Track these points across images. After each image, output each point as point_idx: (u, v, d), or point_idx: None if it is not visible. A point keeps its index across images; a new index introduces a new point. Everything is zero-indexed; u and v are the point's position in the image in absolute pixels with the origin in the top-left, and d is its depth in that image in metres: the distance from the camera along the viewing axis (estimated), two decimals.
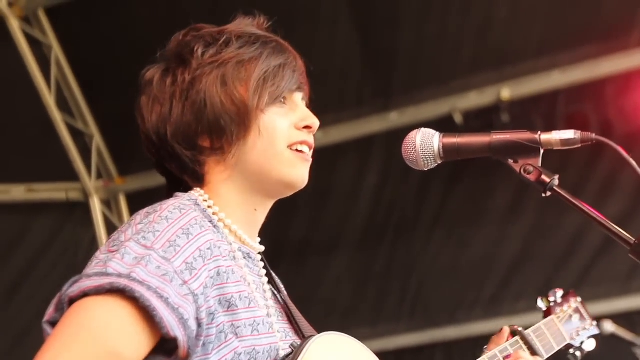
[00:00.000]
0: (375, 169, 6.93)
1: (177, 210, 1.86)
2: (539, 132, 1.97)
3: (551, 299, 2.75)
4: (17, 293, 7.03)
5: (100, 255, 1.78)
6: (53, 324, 1.71)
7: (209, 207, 1.99)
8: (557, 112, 6.39)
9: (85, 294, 1.68)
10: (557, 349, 2.64)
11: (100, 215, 7.44)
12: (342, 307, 7.50)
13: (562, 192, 1.94)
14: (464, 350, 7.49)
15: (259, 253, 2.09)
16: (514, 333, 2.51)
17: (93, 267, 1.75)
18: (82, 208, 7.48)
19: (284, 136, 2.04)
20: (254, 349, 1.86)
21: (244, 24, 2.13)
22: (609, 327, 5.47)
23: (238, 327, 1.85)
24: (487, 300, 7.38)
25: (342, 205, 7.15)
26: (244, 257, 2.00)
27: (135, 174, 7.38)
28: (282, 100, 2.07)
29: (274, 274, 2.16)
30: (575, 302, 2.79)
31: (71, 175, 7.33)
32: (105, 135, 7.39)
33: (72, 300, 1.70)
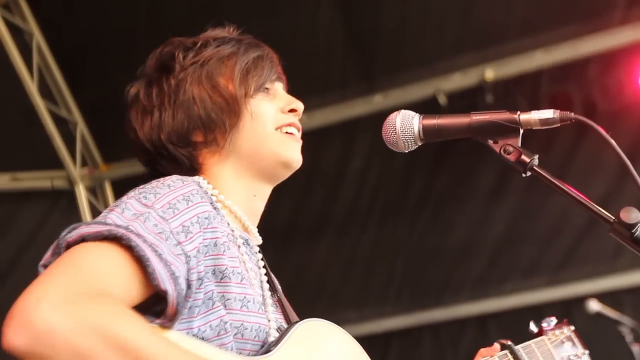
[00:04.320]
0: (360, 152, 6.93)
1: (180, 181, 1.93)
2: (518, 112, 1.97)
3: (544, 324, 2.75)
4: (3, 282, 7.00)
5: (103, 212, 1.84)
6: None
7: (209, 189, 2.06)
8: (541, 92, 6.40)
9: (82, 239, 1.72)
10: None
11: (86, 202, 7.42)
12: (329, 291, 7.52)
13: (542, 172, 1.93)
14: (452, 332, 7.53)
15: (258, 245, 2.15)
16: (503, 347, 2.52)
17: (93, 220, 1.80)
18: (67, 196, 7.45)
19: (272, 119, 2.17)
20: (242, 324, 1.90)
21: (216, 32, 2.26)
22: (595, 305, 5.51)
23: (228, 300, 1.89)
24: (474, 281, 7.41)
25: (328, 188, 7.15)
26: (243, 244, 2.05)
27: (120, 161, 7.36)
28: (265, 89, 2.19)
29: (271, 274, 2.19)
30: (568, 330, 2.78)
31: (56, 163, 7.29)
32: (90, 122, 7.35)
33: (69, 245, 1.73)
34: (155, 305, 1.74)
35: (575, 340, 2.76)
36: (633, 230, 1.81)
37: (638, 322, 5.70)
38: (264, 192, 2.20)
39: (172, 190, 1.88)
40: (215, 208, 1.97)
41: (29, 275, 1.72)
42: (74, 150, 7.30)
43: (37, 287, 1.61)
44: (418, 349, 7.67)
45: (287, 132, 2.18)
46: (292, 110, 2.21)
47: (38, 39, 6.97)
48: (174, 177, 1.95)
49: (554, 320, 2.75)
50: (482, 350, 2.49)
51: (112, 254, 1.71)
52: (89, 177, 7.46)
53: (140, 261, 1.70)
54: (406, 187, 7.09)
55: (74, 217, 7.30)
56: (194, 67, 2.15)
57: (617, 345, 5.66)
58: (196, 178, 2.06)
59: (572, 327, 2.78)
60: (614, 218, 1.84)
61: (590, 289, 6.89)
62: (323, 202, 7.23)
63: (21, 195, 7.27)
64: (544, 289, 7.16)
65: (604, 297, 6.19)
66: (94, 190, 7.56)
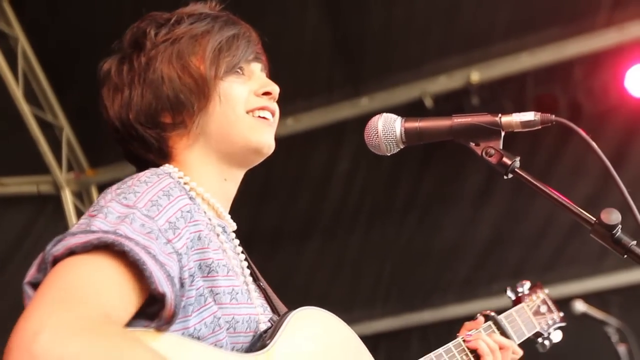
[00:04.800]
0: (346, 155, 6.93)
1: (155, 176, 1.87)
2: (500, 115, 1.98)
3: (519, 289, 2.81)
4: None
5: (81, 220, 1.75)
6: (35, 285, 1.64)
7: (180, 177, 1.99)
8: (526, 94, 6.42)
9: (71, 252, 1.63)
10: (527, 335, 2.69)
11: (72, 207, 7.40)
12: (316, 293, 7.51)
13: (524, 174, 1.94)
14: (440, 334, 7.52)
15: (233, 231, 2.09)
16: (486, 318, 2.54)
17: (76, 228, 1.70)
18: (53, 201, 7.43)
19: (243, 102, 2.08)
20: (233, 317, 1.85)
21: (196, 7, 2.17)
22: (581, 306, 5.52)
23: (217, 294, 1.84)
24: (461, 283, 7.42)
25: (315, 191, 7.15)
26: (222, 232, 1.99)
27: (106, 166, 7.34)
28: (240, 70, 2.11)
29: (249, 258, 2.14)
30: (542, 293, 2.85)
31: (42, 168, 7.28)
32: (75, 127, 7.34)
33: (56, 260, 1.63)
34: (148, 307, 1.68)
35: (550, 303, 2.83)
36: (614, 232, 1.82)
37: (624, 323, 5.72)
38: (236, 176, 2.12)
39: (150, 187, 1.81)
40: (191, 198, 1.91)
41: (14, 281, 1.66)
42: (59, 155, 7.29)
43: (33, 316, 1.52)
44: (406, 350, 7.67)
45: (259, 117, 2.09)
46: (266, 93, 2.11)
47: (23, 44, 6.95)
48: (148, 172, 1.89)
49: (527, 284, 2.80)
50: (467, 324, 2.51)
51: (105, 265, 1.63)
52: (75, 181, 7.44)
53: (135, 265, 1.63)
54: (393, 190, 7.11)
55: (60, 222, 7.28)
56: (165, 44, 2.06)
57: (604, 345, 5.68)
58: (167, 168, 2.00)
59: (546, 290, 2.84)
60: (595, 220, 1.85)
61: (576, 290, 6.91)
62: (310, 205, 7.23)
63: (7, 201, 7.24)
64: None
65: (590, 297, 6.20)
66: (80, 195, 7.55)
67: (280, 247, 7.35)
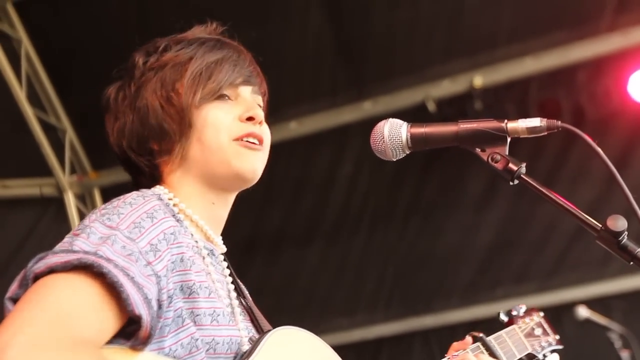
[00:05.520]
0: (349, 158, 6.93)
1: (141, 198, 1.88)
2: (506, 121, 1.96)
3: (513, 312, 2.80)
4: None
5: (65, 238, 1.77)
6: (15, 300, 1.66)
7: (169, 199, 2.00)
8: (529, 99, 6.41)
9: (51, 270, 1.65)
10: (518, 356, 2.66)
11: (74, 210, 7.40)
12: (319, 297, 7.51)
13: (529, 180, 1.93)
14: (442, 339, 7.52)
15: (222, 254, 2.09)
16: (475, 339, 2.54)
17: (58, 247, 1.73)
18: (56, 203, 7.43)
19: (227, 130, 2.05)
20: (213, 339, 1.86)
21: (197, 32, 2.19)
22: (584, 312, 5.52)
23: (197, 316, 1.84)
24: (464, 288, 7.41)
25: (318, 195, 7.15)
26: (208, 254, 1.99)
27: (109, 168, 7.34)
28: (226, 95, 2.09)
29: (238, 280, 2.15)
30: (537, 316, 2.84)
31: (45, 171, 7.28)
32: (78, 129, 7.34)
33: (37, 277, 1.66)
34: (126, 327, 1.70)
35: (546, 326, 2.81)
36: (620, 238, 1.81)
37: (627, 328, 5.72)
38: (223, 200, 2.11)
39: (135, 209, 1.82)
40: (178, 220, 1.93)
41: (4, 299, 1.68)
42: (62, 157, 7.29)
43: (6, 330, 1.54)
44: (409, 355, 7.67)
45: (246, 142, 2.05)
46: (249, 119, 2.08)
47: (27, 46, 6.95)
48: (134, 194, 1.90)
49: (523, 308, 2.80)
50: (455, 344, 2.49)
51: (83, 285, 1.65)
52: (77, 184, 7.44)
53: (113, 287, 1.65)
54: (396, 194, 7.10)
55: (63, 224, 7.28)
56: (152, 72, 2.08)
57: (606, 351, 5.67)
58: (156, 190, 2.01)
59: (542, 313, 2.82)
60: (600, 226, 1.83)
61: (579, 295, 6.90)
62: (313, 209, 7.23)
63: (10, 203, 7.24)
64: (534, 295, 7.17)
65: (593, 303, 6.20)
66: (83, 198, 7.55)
67: (283, 251, 7.34)
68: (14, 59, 6.88)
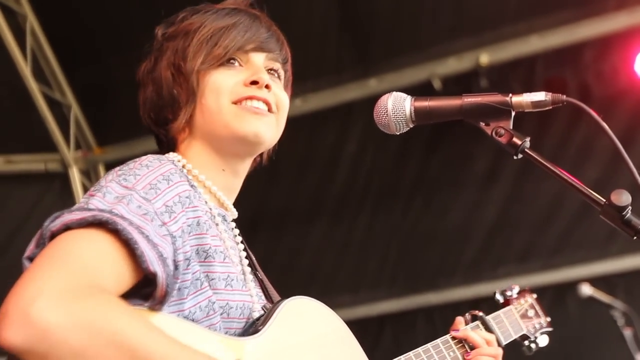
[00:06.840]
0: (354, 136, 6.92)
1: (157, 161, 1.90)
2: (510, 95, 1.97)
3: (508, 293, 2.86)
4: None
5: (82, 199, 1.80)
6: (33, 259, 1.67)
7: (183, 166, 2.03)
8: (535, 77, 6.38)
9: (67, 227, 1.67)
10: (514, 337, 2.75)
11: (79, 185, 7.41)
12: (323, 274, 7.53)
13: (533, 154, 1.93)
14: (446, 316, 7.53)
15: (233, 220, 2.11)
16: (474, 318, 2.60)
17: (75, 206, 1.75)
18: (61, 179, 7.45)
19: (227, 93, 2.07)
20: (227, 303, 1.88)
21: (228, 3, 2.21)
22: (587, 290, 5.53)
23: (212, 280, 1.86)
24: (468, 265, 7.42)
25: (322, 173, 7.14)
26: (221, 221, 2.02)
27: (114, 144, 7.35)
28: (236, 61, 2.11)
29: (249, 250, 2.17)
30: (530, 297, 2.90)
31: (50, 146, 7.29)
32: (83, 105, 7.33)
33: (53, 235, 1.68)
34: (143, 288, 1.71)
35: (537, 307, 2.89)
36: (624, 213, 1.81)
37: (630, 306, 5.73)
38: (233, 167, 2.12)
39: (151, 171, 1.84)
40: (192, 186, 1.94)
41: (22, 259, 1.70)
42: (67, 133, 7.29)
43: (30, 282, 1.55)
44: (412, 332, 7.69)
45: (248, 106, 2.06)
46: (253, 82, 2.08)
47: (32, 21, 6.94)
48: (150, 157, 1.91)
49: (516, 288, 2.87)
50: (459, 318, 2.56)
51: (99, 240, 1.67)
52: (82, 160, 7.45)
53: (127, 244, 1.67)
54: (400, 171, 7.09)
55: (68, 200, 7.30)
56: (167, 43, 2.12)
57: (609, 329, 5.68)
58: (170, 156, 2.03)
59: (534, 295, 2.89)
60: (604, 200, 1.84)
61: (583, 274, 6.91)
62: (317, 187, 7.22)
63: (15, 178, 7.26)
64: (538, 274, 7.17)
65: (596, 281, 6.21)
66: (88, 173, 7.55)
67: (287, 229, 7.35)
68: (19, 35, 6.87)
